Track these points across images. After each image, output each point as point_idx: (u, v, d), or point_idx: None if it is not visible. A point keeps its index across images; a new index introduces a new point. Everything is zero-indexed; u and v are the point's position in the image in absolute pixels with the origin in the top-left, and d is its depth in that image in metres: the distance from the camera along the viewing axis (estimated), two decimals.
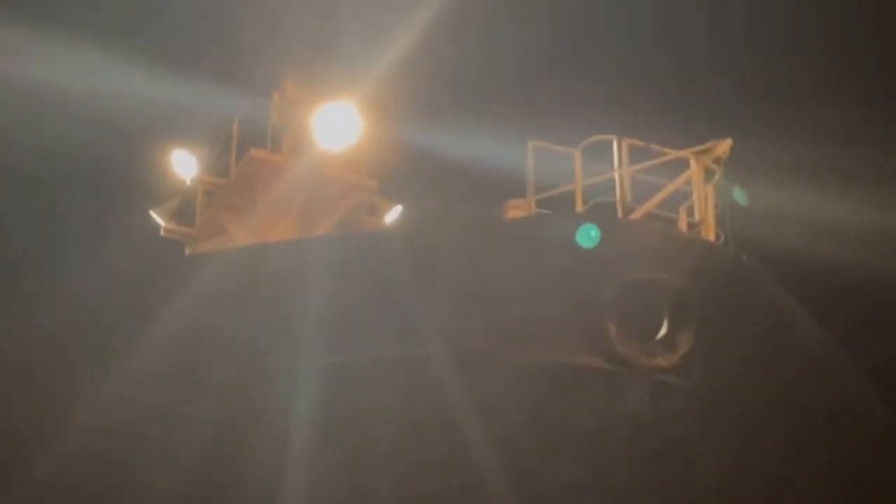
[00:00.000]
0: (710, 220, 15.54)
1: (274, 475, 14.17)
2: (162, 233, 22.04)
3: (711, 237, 15.59)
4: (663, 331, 14.22)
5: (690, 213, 15.71)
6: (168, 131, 22.42)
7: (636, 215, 15.46)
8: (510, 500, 13.59)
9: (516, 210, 16.25)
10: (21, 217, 29.89)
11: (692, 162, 15.49)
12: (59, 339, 15.69)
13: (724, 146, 15.65)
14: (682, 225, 15.75)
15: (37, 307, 17.07)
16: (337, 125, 20.42)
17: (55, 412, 15.11)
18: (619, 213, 15.59)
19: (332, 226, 20.77)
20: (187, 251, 21.87)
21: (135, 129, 25.74)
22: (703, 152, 15.62)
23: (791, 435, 14.71)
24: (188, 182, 21.83)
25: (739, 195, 15.20)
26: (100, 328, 15.29)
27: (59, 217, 30.51)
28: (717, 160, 15.53)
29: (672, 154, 15.58)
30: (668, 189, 15.63)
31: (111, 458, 14.68)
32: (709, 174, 15.60)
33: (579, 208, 15.88)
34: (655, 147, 15.62)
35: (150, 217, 22.02)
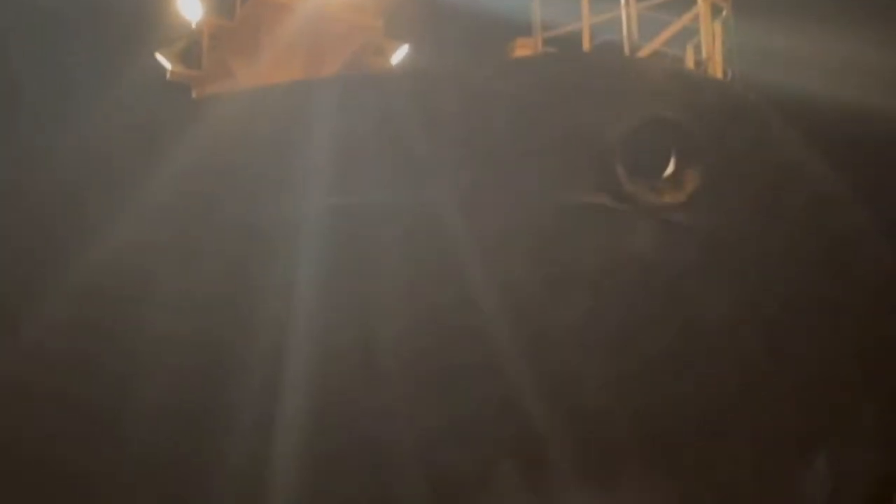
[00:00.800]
0: (718, 58, 15.35)
1: (281, 316, 14.20)
2: (169, 76, 21.82)
3: (719, 75, 15.40)
4: (670, 168, 14.10)
5: (698, 50, 15.51)
6: None
7: (643, 53, 15.26)
8: (515, 342, 13.60)
9: (523, 49, 16.06)
10: (25, 60, 29.54)
11: None
12: (70, 180, 15.69)
13: None
14: (690, 62, 15.57)
15: (47, 149, 17.04)
16: None
17: (67, 252, 15.18)
18: (626, 52, 15.41)
19: (337, 67, 20.55)
20: (194, 94, 21.69)
21: None
22: None
23: (796, 277, 14.70)
24: (194, 24, 21.54)
25: None
26: (109, 169, 15.27)
27: (65, 58, 30.13)
28: None
29: None
30: (674, 26, 15.41)
31: (122, 295, 14.76)
32: (716, 10, 15.36)
33: (587, 47, 15.69)
34: None
35: (156, 59, 21.78)
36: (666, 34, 15.32)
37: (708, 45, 15.28)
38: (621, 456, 13.19)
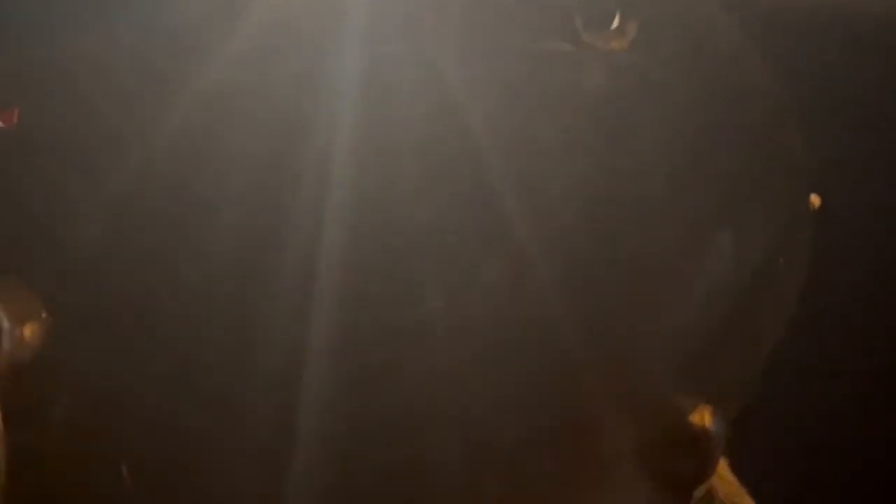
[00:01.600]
0: None
1: (324, 155, 13.57)
2: None
3: None
4: (616, 22, 13.87)
5: None
6: None
7: None
8: (494, 159, 13.24)
9: None
10: None
11: None
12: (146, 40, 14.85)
13: None
14: None
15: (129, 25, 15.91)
16: None
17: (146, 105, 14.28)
18: None
19: None
20: None
21: None
22: None
23: (710, 100, 14.39)
24: None
25: None
26: (185, 32, 14.54)
27: None
28: None
29: None
30: None
31: (191, 154, 13.95)
32: None
33: None
34: None
35: None
36: None
37: None
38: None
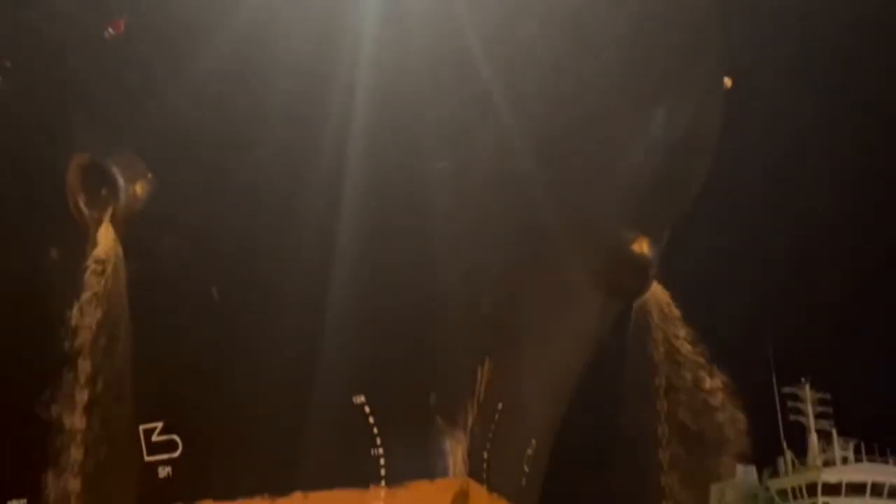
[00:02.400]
0: None
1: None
2: None
3: None
4: None
5: None
6: None
7: None
8: (485, 53, 15.07)
9: None
10: None
11: None
12: None
13: None
14: None
15: None
16: None
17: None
18: None
19: None
20: None
21: None
22: None
23: None
24: None
25: None
26: None
27: None
28: None
29: None
30: None
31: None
32: None
33: None
34: None
35: None
36: None
37: None
38: None
